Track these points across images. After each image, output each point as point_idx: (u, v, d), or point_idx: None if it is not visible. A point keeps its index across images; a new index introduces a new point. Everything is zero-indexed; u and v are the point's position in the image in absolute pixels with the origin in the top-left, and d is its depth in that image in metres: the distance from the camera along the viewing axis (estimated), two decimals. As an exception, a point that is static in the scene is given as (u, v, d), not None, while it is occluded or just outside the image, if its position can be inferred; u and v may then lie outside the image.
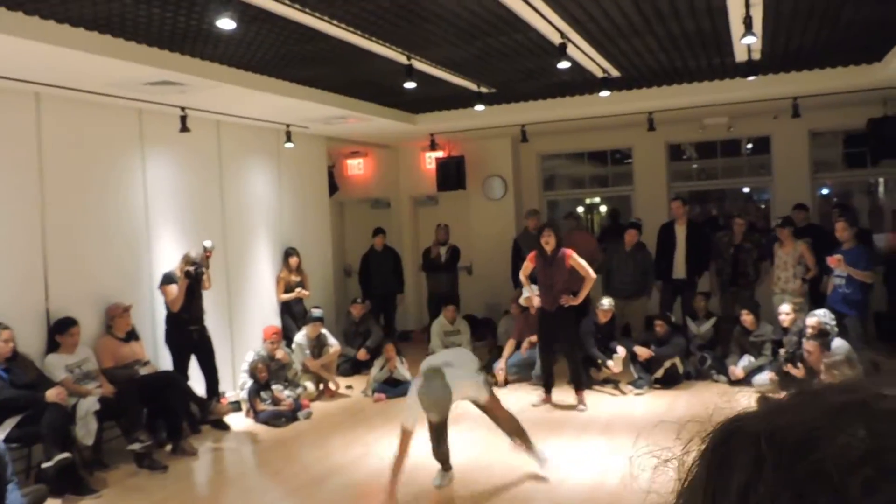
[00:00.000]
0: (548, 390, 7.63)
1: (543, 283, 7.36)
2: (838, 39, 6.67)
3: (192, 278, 6.91)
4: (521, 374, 8.55)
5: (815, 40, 6.64)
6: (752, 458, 0.48)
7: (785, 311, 7.56)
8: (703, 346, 8.45)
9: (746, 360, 7.82)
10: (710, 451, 0.52)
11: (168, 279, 6.96)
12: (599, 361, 8.02)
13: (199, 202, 7.87)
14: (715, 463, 0.50)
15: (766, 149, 10.87)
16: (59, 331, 6.03)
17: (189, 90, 6.43)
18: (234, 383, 7.92)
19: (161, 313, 7.15)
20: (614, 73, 7.42)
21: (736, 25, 5.73)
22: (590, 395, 7.80)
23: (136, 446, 5.92)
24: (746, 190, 12.13)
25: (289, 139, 8.81)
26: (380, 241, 10.66)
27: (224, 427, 7.09)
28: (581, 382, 7.53)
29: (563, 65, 6.09)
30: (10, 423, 5.39)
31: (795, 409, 0.51)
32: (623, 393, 7.92)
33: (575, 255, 7.31)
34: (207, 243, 7.14)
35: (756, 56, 6.95)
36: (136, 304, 6.78)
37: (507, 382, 8.46)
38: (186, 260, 6.94)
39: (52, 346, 6.05)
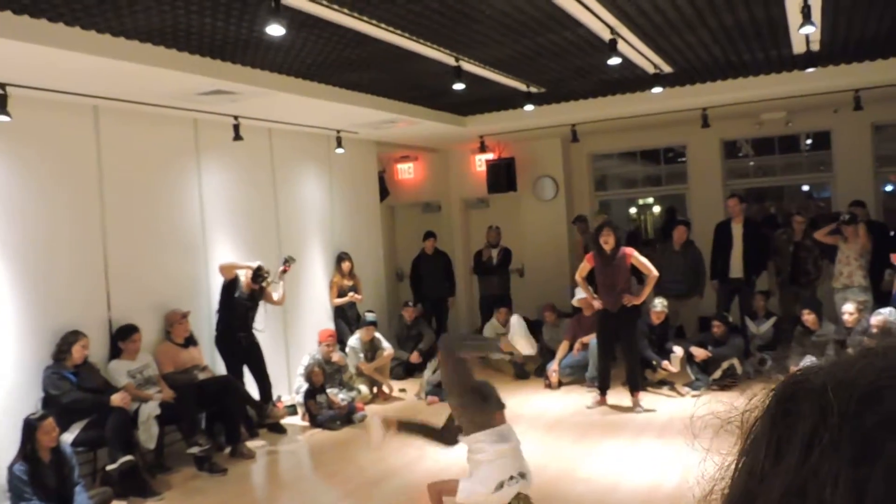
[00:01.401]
0: (603, 392, 7.53)
1: (604, 284, 7.23)
2: (901, 27, 6.42)
3: (257, 280, 7.07)
4: (574, 375, 8.45)
5: (878, 28, 6.41)
6: (818, 408, 0.48)
7: (849, 311, 7.30)
8: (763, 347, 8.22)
9: (808, 361, 7.56)
10: (775, 404, 0.52)
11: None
12: (654, 363, 7.87)
13: (254, 209, 8.00)
14: (779, 414, 0.51)
15: (827, 144, 10.52)
16: (122, 337, 6.19)
17: (241, 98, 6.54)
18: (290, 387, 8.01)
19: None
20: (666, 68, 7.28)
21: (793, 14, 5.56)
22: (646, 397, 7.67)
23: (195, 450, 6.03)
24: (806, 188, 11.77)
25: (339, 145, 8.89)
26: (431, 244, 10.67)
27: (281, 430, 7.18)
28: (637, 384, 7.40)
29: (614, 61, 5.99)
30: (78, 427, 5.56)
31: (862, 363, 0.50)
32: (680, 394, 7.76)
33: (636, 254, 7.21)
34: (288, 257, 7.41)
35: (815, 47, 6.73)
36: (193, 310, 6.91)
37: (560, 384, 8.37)
38: (259, 268, 7.16)
39: (115, 353, 6.22)
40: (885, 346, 0.52)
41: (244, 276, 7.10)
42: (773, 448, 0.49)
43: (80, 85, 5.64)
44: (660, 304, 8.04)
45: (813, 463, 0.45)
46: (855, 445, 0.44)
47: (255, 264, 7.13)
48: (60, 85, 5.56)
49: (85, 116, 6.25)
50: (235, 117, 7.25)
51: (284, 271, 7.31)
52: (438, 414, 7.51)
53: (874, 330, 6.79)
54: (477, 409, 4.27)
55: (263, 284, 7.16)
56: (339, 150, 8.93)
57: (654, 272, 7.16)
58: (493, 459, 4.22)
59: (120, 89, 5.89)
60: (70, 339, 5.71)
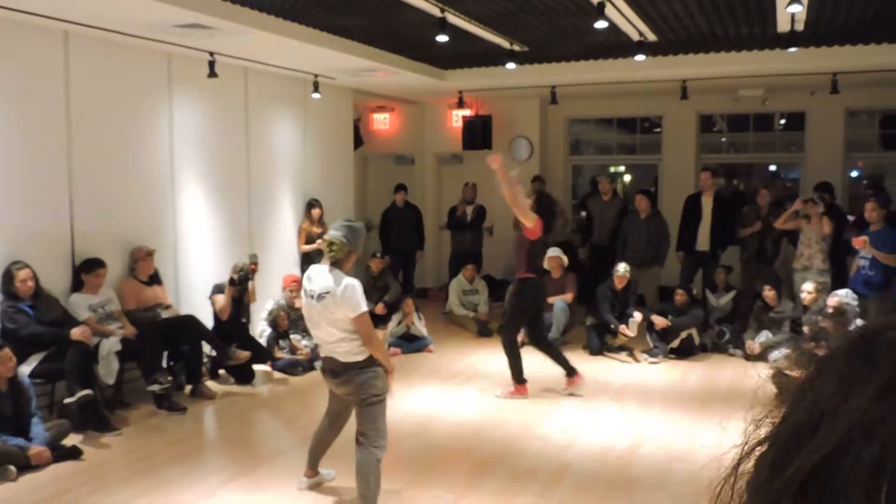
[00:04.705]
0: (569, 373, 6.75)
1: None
2: (886, 14, 6.46)
3: (238, 284, 7.00)
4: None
5: (864, 13, 6.44)
6: None
7: (807, 290, 7.48)
8: (722, 320, 8.41)
9: (764, 336, 7.77)
10: (853, 344, 0.51)
11: (217, 289, 7.07)
12: (613, 326, 7.99)
13: (225, 149, 7.86)
14: (856, 356, 0.50)
15: (800, 125, 10.65)
16: (86, 270, 6.07)
17: (218, 34, 6.36)
18: (254, 330, 7.98)
19: (184, 257, 7.23)
20: (651, 36, 7.25)
21: (782, -8, 5.56)
22: (604, 362, 7.84)
23: (155, 387, 6.02)
24: (773, 168, 11.94)
25: (316, 89, 8.74)
26: (401, 197, 10.63)
27: (249, 374, 7.09)
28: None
29: (600, 24, 5.96)
30: (36, 359, 5.49)
31: None
32: (636, 360, 7.91)
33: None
34: (252, 255, 7.31)
35: (799, 27, 6.75)
36: (159, 248, 6.81)
37: (523, 344, 8.45)
38: (234, 269, 7.06)
39: (77, 285, 6.12)
40: None
41: (226, 297, 6.97)
42: (844, 386, 0.48)
43: (50, 7, 5.42)
44: (623, 268, 8.15)
45: (884, 407, 0.46)
46: None
47: (232, 275, 7.04)
48: (30, 6, 5.35)
49: (55, 41, 6.03)
50: (211, 53, 7.06)
51: (253, 270, 7.22)
52: (399, 366, 7.58)
53: (830, 310, 6.97)
54: None
55: (249, 283, 7.11)
56: (316, 95, 8.78)
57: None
58: None
59: (93, 15, 5.69)
60: (10, 270, 5.51)
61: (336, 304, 3.96)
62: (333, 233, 4.09)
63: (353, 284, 3.99)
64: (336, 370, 4.09)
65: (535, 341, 6.71)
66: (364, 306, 4.00)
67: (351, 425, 4.32)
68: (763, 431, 0.53)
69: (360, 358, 4.04)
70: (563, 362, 6.65)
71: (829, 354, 0.52)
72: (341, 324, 4.00)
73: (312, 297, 4.05)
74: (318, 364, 7.46)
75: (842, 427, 0.46)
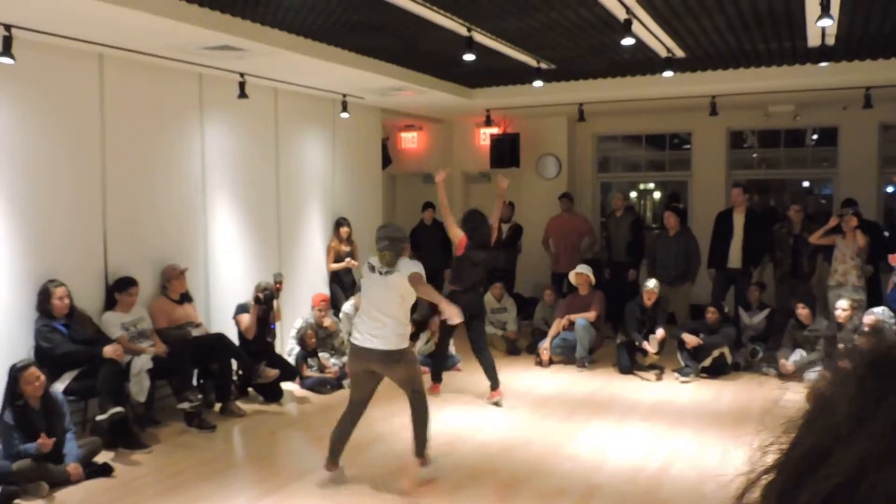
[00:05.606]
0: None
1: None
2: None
3: (263, 303, 7.05)
4: (565, 354, 8.48)
5: (895, 26, 6.35)
6: None
7: (842, 307, 7.33)
8: (755, 338, 8.26)
9: (798, 355, 7.62)
10: (866, 366, 0.48)
11: (241, 309, 7.13)
12: (637, 343, 7.90)
13: (255, 168, 7.95)
14: (870, 377, 0.47)
15: (832, 141, 10.50)
16: (119, 289, 6.16)
17: (248, 56, 6.46)
18: (282, 349, 8.02)
19: (215, 276, 7.29)
20: (679, 53, 7.22)
21: (812, 6, 5.51)
22: (634, 381, 7.74)
23: (186, 405, 6.05)
24: (806, 184, 11.76)
25: (344, 109, 8.83)
26: (429, 215, 10.65)
27: (278, 394, 7.12)
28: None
29: (628, 41, 5.94)
30: (69, 377, 5.56)
31: None
32: (658, 380, 7.77)
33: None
34: (277, 273, 7.37)
35: (830, 41, 6.68)
36: (191, 267, 6.89)
37: (551, 362, 8.41)
38: (258, 288, 7.13)
39: (110, 304, 6.20)
40: None
41: (252, 316, 7.04)
42: (858, 409, 0.45)
43: (86, 31, 5.56)
44: (652, 283, 8.06)
45: None
46: None
47: (257, 294, 7.11)
48: (66, 30, 5.49)
49: (90, 64, 6.17)
50: (242, 74, 7.18)
51: (278, 289, 7.29)
52: (427, 384, 7.56)
53: (866, 328, 6.84)
54: None
55: (274, 302, 7.18)
56: (344, 115, 8.87)
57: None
58: None
59: (126, 38, 5.82)
60: (47, 288, 5.59)
61: (401, 275, 4.49)
62: (381, 247, 4.63)
63: (418, 263, 4.70)
64: (385, 356, 4.46)
65: (474, 351, 7.05)
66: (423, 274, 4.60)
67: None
68: (770, 458, 0.49)
69: (404, 345, 4.47)
70: (492, 376, 6.96)
71: (842, 375, 0.49)
72: (396, 302, 4.44)
73: (381, 272, 4.49)
74: (346, 382, 7.48)
75: (855, 454, 0.43)
